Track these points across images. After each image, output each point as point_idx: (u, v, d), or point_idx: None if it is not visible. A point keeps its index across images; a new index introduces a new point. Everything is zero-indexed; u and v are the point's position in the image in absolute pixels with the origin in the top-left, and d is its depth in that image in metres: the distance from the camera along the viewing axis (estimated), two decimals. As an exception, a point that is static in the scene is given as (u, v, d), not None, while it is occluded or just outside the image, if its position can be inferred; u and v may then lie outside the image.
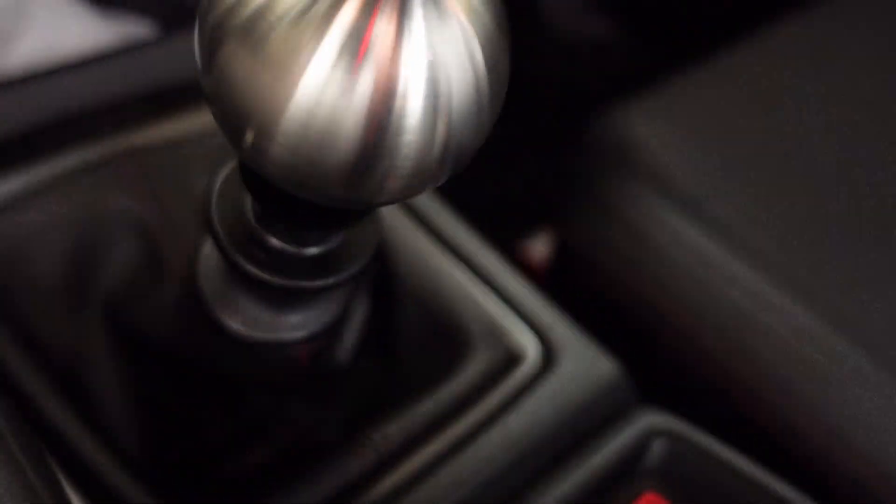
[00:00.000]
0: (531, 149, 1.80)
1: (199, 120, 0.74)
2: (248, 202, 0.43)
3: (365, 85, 0.30)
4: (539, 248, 1.47)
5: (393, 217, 0.71)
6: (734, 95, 0.92)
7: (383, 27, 0.29)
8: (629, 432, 0.60)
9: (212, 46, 0.32)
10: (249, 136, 0.32)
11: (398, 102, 0.30)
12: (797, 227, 0.78)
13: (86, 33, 0.81)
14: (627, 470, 0.60)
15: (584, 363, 0.63)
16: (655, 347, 0.74)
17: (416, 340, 0.66)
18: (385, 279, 0.68)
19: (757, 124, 0.88)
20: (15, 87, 0.70)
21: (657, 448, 0.61)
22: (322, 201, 0.35)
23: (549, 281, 0.89)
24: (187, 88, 0.76)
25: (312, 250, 0.43)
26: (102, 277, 0.65)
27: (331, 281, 0.43)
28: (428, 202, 0.73)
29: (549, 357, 0.63)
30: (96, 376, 0.60)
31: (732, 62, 0.96)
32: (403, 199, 0.35)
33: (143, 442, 0.58)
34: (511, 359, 0.63)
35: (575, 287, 0.83)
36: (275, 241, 0.42)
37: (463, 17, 0.31)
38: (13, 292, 0.60)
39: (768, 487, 0.58)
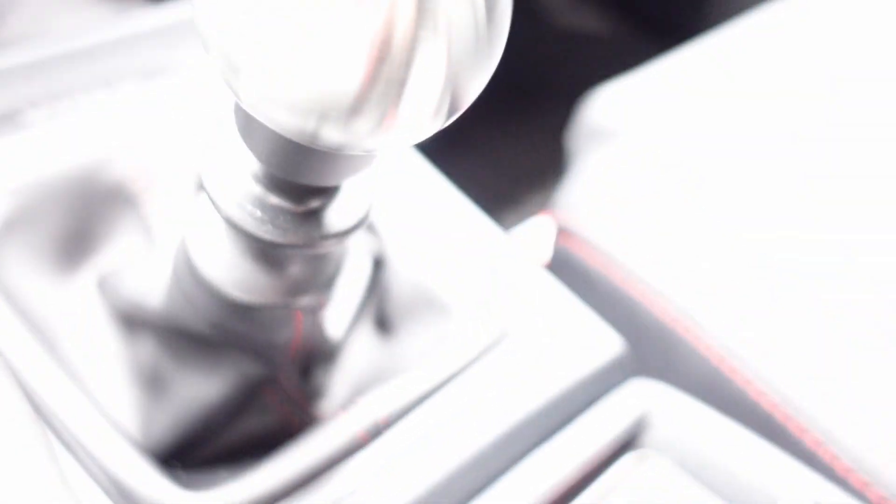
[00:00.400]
0: (525, 137, 1.80)
1: (191, 91, 0.74)
2: (243, 158, 0.42)
3: (366, 20, 0.29)
4: (535, 232, 1.47)
5: (390, 193, 0.70)
6: (725, 77, 0.92)
7: None
8: (628, 405, 0.60)
9: None
10: (248, 77, 0.32)
11: (398, 33, 0.30)
12: (789, 205, 0.78)
13: (75, 6, 0.80)
14: (626, 443, 0.60)
15: (581, 338, 0.63)
16: (654, 322, 0.74)
17: (409, 314, 0.65)
18: (379, 254, 0.67)
19: (747, 104, 0.89)
20: (5, 59, 0.69)
21: (655, 422, 0.60)
22: (320, 146, 0.34)
23: (554, 262, 0.89)
24: (178, 63, 0.76)
25: (308, 206, 0.42)
26: (96, 248, 0.64)
27: (326, 237, 0.42)
28: (423, 176, 0.73)
29: (544, 331, 0.63)
30: (88, 344, 0.60)
31: (723, 45, 0.97)
32: (401, 143, 0.35)
33: (133, 412, 0.57)
34: (505, 333, 0.63)
35: (573, 267, 0.83)
36: (270, 197, 0.42)
37: None
38: (6, 257, 0.59)
39: (767, 459, 0.57)
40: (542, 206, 1.63)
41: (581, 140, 0.93)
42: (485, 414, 0.58)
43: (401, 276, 0.67)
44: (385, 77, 0.31)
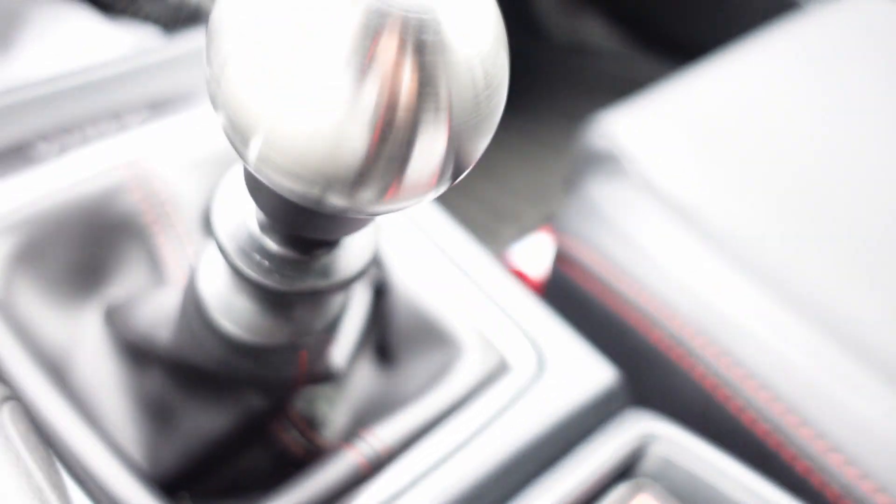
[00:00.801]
0: (527, 158, 1.82)
1: (198, 122, 0.76)
2: (250, 209, 0.44)
3: (369, 99, 0.31)
4: (535, 255, 1.48)
5: (389, 224, 0.72)
6: (722, 104, 0.93)
7: (386, 45, 0.30)
8: (623, 436, 0.61)
9: (221, 61, 0.33)
10: (256, 146, 0.33)
11: (400, 114, 0.32)
12: (786, 234, 0.80)
13: (87, 40, 0.82)
14: (622, 474, 0.61)
15: (578, 369, 0.64)
16: (649, 350, 0.76)
17: (410, 345, 0.67)
18: (380, 285, 0.69)
19: (748, 132, 0.90)
20: (16, 94, 0.71)
21: (651, 452, 0.62)
22: (325, 211, 0.36)
23: (546, 288, 0.90)
24: (186, 95, 0.78)
25: (313, 256, 0.44)
26: (104, 280, 0.66)
27: (330, 285, 0.44)
28: (424, 210, 0.74)
29: (542, 363, 0.64)
30: (94, 376, 0.61)
31: (723, 72, 0.98)
32: (403, 209, 0.36)
33: (140, 443, 0.59)
34: (504, 365, 0.64)
35: (571, 294, 0.84)
36: (276, 248, 0.43)
37: (463, 37, 0.32)
38: (17, 289, 0.61)
39: (757, 492, 0.59)
40: (542, 221, 1.65)
41: (582, 165, 0.94)
42: (483, 445, 0.59)
43: (402, 306, 0.68)
44: (387, 155, 0.32)
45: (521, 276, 1.39)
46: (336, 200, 0.34)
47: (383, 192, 0.34)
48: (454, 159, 0.34)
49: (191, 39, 0.80)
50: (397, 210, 0.37)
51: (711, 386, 0.72)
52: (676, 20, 1.83)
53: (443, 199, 0.80)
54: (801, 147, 0.89)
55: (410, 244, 0.71)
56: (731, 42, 1.12)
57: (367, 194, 0.34)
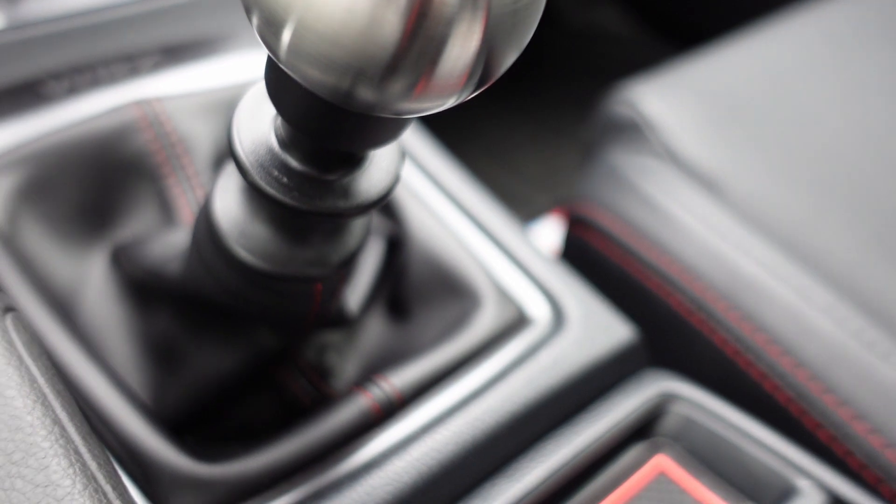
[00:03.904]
0: (539, 143, 1.80)
1: (210, 69, 0.74)
2: (271, 126, 0.42)
3: None
4: (546, 231, 1.46)
5: (406, 177, 0.70)
6: (745, 77, 0.92)
7: None
8: (642, 395, 0.59)
9: None
10: (288, 33, 0.31)
11: (437, 3, 0.30)
12: (808, 202, 0.78)
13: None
14: (638, 432, 0.59)
15: (597, 325, 0.62)
16: (669, 315, 0.74)
17: (425, 297, 0.65)
18: (396, 238, 0.67)
19: (767, 103, 0.89)
20: (28, 30, 0.69)
21: (669, 411, 0.60)
22: (353, 107, 0.34)
23: (567, 253, 0.88)
24: (199, 41, 0.76)
25: (334, 175, 0.42)
26: (113, 220, 0.64)
27: (350, 206, 0.42)
28: (443, 165, 0.72)
29: (560, 318, 0.62)
30: (100, 317, 0.60)
31: (746, 47, 0.97)
32: (430, 108, 0.34)
33: (147, 384, 0.57)
34: (523, 317, 0.63)
35: (589, 258, 0.83)
36: (297, 165, 0.41)
37: None
38: (22, 224, 0.59)
39: (778, 450, 0.57)
40: (553, 206, 1.63)
41: (600, 133, 0.92)
42: (499, 396, 0.57)
43: (418, 259, 0.66)
44: (424, 36, 0.30)
45: (543, 241, 1.37)
46: (365, 93, 0.33)
47: (413, 87, 0.32)
48: (486, 57, 0.33)
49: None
50: (422, 111, 0.35)
51: (733, 352, 0.70)
52: (691, 6, 1.82)
53: (464, 167, 0.79)
54: (822, 118, 0.87)
55: (429, 199, 0.69)
56: (750, 20, 1.10)
57: (396, 86, 0.32)
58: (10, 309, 0.38)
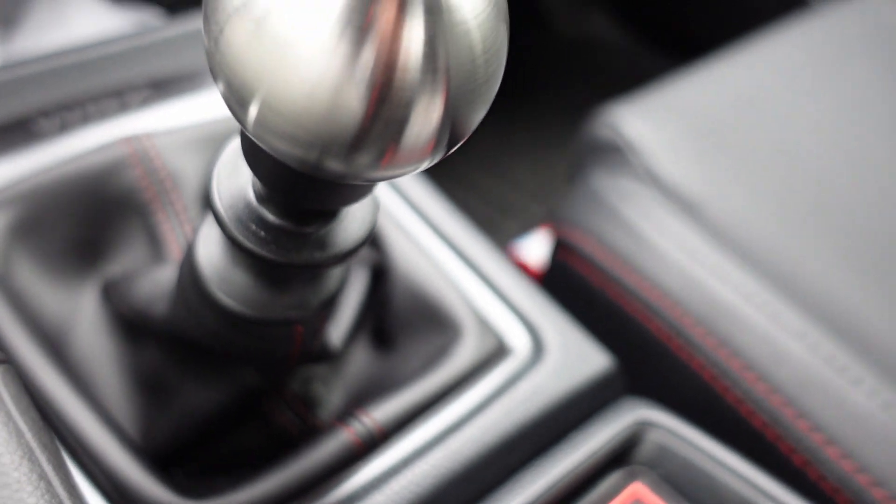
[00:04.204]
0: (530, 148, 1.81)
1: (199, 103, 0.76)
2: (248, 181, 0.44)
3: (367, 59, 0.31)
4: (537, 244, 1.48)
5: (389, 207, 0.72)
6: (727, 99, 0.93)
7: (384, 6, 0.30)
8: (618, 423, 0.61)
9: (218, 25, 0.32)
10: (254, 110, 0.33)
11: (398, 75, 0.31)
12: (786, 227, 0.80)
13: (89, 19, 0.82)
14: (615, 460, 0.61)
15: (574, 355, 0.64)
16: (649, 339, 0.76)
17: (408, 327, 0.67)
18: (379, 268, 0.68)
19: (747, 124, 0.90)
20: (18, 69, 0.71)
21: (647, 439, 0.61)
22: (322, 176, 0.36)
23: (547, 277, 0.90)
24: (187, 75, 0.78)
25: (310, 228, 0.44)
26: (103, 255, 0.66)
27: (327, 258, 0.44)
28: (425, 195, 0.74)
29: (539, 347, 0.64)
30: (90, 350, 0.61)
31: (729, 68, 0.98)
32: (400, 174, 0.36)
33: (135, 417, 0.59)
34: (502, 348, 0.64)
35: (571, 282, 0.84)
36: (274, 219, 0.43)
37: (461, 1, 0.32)
38: (15, 262, 0.61)
39: (750, 479, 0.58)
40: (544, 216, 1.65)
41: (585, 156, 0.94)
42: (478, 428, 0.59)
43: (400, 289, 0.68)
44: (385, 117, 0.32)
45: (524, 268, 1.38)
46: (333, 165, 0.34)
47: (380, 157, 0.34)
48: (451, 126, 0.34)
49: (193, 20, 0.79)
50: (393, 177, 0.37)
51: (710, 376, 0.72)
52: (682, 16, 1.83)
53: (446, 192, 0.80)
54: (804, 143, 0.89)
55: (410, 229, 0.71)
56: (737, 39, 1.12)
57: (364, 158, 0.34)
58: (3, 361, 0.40)
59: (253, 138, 0.36)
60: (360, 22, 0.30)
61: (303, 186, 0.39)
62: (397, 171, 0.36)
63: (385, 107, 0.32)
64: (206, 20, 0.34)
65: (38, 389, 0.54)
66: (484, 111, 0.36)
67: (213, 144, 0.71)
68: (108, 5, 0.84)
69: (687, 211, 0.81)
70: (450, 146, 0.36)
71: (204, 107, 0.76)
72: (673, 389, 0.73)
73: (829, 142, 0.88)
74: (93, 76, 0.73)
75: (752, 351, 0.71)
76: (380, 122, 0.32)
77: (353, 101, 0.31)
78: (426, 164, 0.36)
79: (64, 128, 0.70)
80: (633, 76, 1.88)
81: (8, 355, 0.55)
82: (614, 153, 0.89)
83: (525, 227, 1.65)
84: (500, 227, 1.66)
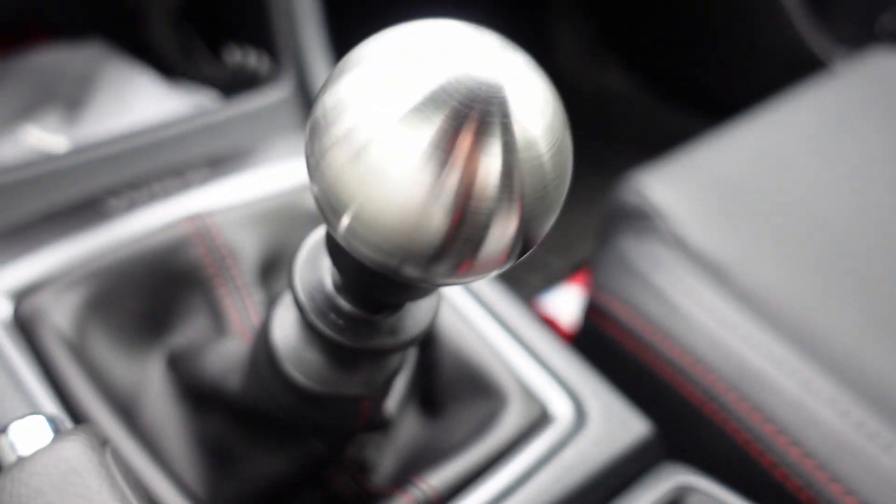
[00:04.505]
0: (564, 211, 1.85)
1: (253, 179, 0.80)
2: (327, 271, 0.48)
3: (450, 187, 0.35)
4: (563, 299, 1.51)
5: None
6: (751, 163, 0.97)
7: (465, 142, 0.34)
8: (659, 489, 0.64)
9: (322, 148, 0.37)
10: (346, 220, 0.37)
11: (476, 202, 0.35)
12: (815, 292, 0.83)
13: (150, 102, 0.87)
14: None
15: (615, 422, 0.67)
16: (683, 403, 0.78)
17: (454, 394, 0.70)
18: (429, 335, 0.72)
19: (771, 188, 0.94)
20: (89, 152, 0.76)
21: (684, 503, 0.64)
22: (399, 279, 0.40)
23: (578, 339, 0.93)
24: (242, 153, 0.83)
25: (380, 316, 0.48)
26: (168, 328, 0.70)
27: (396, 343, 0.47)
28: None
29: (581, 415, 0.67)
30: (159, 418, 0.65)
31: (752, 132, 1.02)
32: (473, 281, 0.40)
33: (202, 482, 0.62)
34: (546, 416, 0.67)
35: (603, 345, 0.87)
36: (348, 307, 0.47)
37: (531, 128, 0.36)
38: (89, 335, 0.65)
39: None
40: (569, 270, 1.68)
41: (614, 221, 0.98)
42: (528, 493, 0.62)
43: (446, 357, 0.71)
44: (464, 236, 0.36)
45: (552, 324, 1.42)
46: (412, 272, 0.38)
47: (456, 268, 0.38)
48: (522, 240, 0.38)
49: (247, 102, 0.85)
50: (466, 283, 0.41)
51: (744, 440, 0.74)
52: (699, 74, 1.88)
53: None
54: (831, 206, 0.92)
55: (451, 296, 0.75)
56: (754, 96, 1.16)
57: (441, 269, 0.38)
58: (106, 442, 0.44)
59: (340, 242, 0.40)
60: (443, 157, 0.34)
61: (380, 285, 0.43)
62: (470, 279, 0.40)
63: (464, 227, 0.36)
64: (311, 140, 0.38)
65: (119, 458, 0.57)
66: (552, 222, 0.40)
67: (268, 220, 0.76)
68: (168, 89, 0.89)
69: (715, 276, 0.84)
70: (521, 255, 0.40)
71: (258, 183, 0.80)
72: (708, 453, 0.76)
73: (855, 203, 0.92)
74: (156, 156, 0.78)
75: (785, 416, 0.73)
76: (459, 240, 0.36)
77: (436, 222, 0.35)
78: (498, 272, 0.40)
79: (132, 206, 0.75)
80: (650, 131, 1.92)
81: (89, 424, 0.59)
82: (642, 219, 0.93)
83: (548, 282, 1.69)
84: (523, 281, 1.69)
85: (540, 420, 0.67)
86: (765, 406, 0.74)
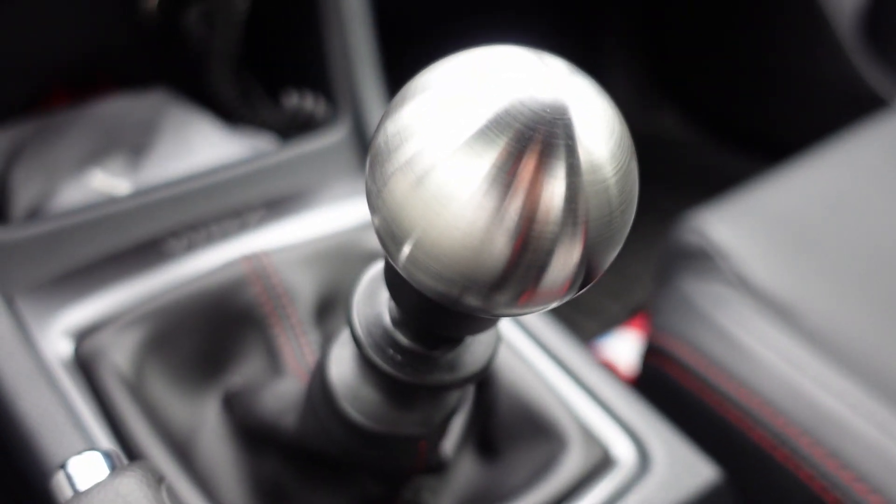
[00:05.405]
0: (620, 254, 1.83)
1: (309, 220, 0.81)
2: (385, 305, 0.47)
3: (513, 212, 0.34)
4: (622, 344, 1.48)
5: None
6: (813, 202, 0.95)
7: (528, 167, 0.34)
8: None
9: (384, 176, 0.36)
10: (407, 249, 0.37)
11: (540, 227, 0.34)
12: (884, 333, 0.79)
13: (210, 146, 0.89)
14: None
15: (681, 467, 0.64)
16: (752, 448, 0.75)
17: (512, 436, 0.68)
18: (486, 376, 0.71)
19: (837, 229, 0.91)
20: (151, 194, 0.77)
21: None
22: (459, 310, 0.39)
23: (639, 381, 0.91)
24: (298, 195, 0.84)
25: (439, 352, 0.47)
26: (224, 367, 0.70)
27: (455, 380, 0.46)
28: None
29: (645, 459, 0.65)
30: (214, 458, 0.65)
31: (813, 171, 1.00)
32: (534, 311, 0.39)
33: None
34: (608, 459, 0.65)
35: (665, 388, 0.85)
36: (406, 342, 0.46)
37: (596, 151, 0.35)
38: (147, 374, 0.65)
39: None
40: (625, 315, 1.65)
41: (673, 261, 0.96)
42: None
43: (504, 398, 0.70)
44: (526, 263, 0.35)
45: (612, 369, 1.39)
46: (473, 301, 0.37)
47: (518, 297, 0.37)
48: (585, 268, 0.37)
49: (304, 144, 0.86)
50: (527, 314, 0.39)
51: (820, 488, 0.71)
52: (755, 113, 1.86)
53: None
54: (889, 240, 0.89)
55: (509, 336, 0.73)
56: (811, 135, 1.13)
57: (503, 298, 0.37)
58: (162, 479, 0.43)
59: (401, 272, 0.39)
60: (507, 180, 0.34)
61: (440, 317, 0.42)
62: (532, 309, 0.38)
63: (527, 254, 0.35)
64: (372, 168, 0.38)
65: (174, 496, 0.57)
66: (617, 251, 0.39)
67: (324, 260, 0.76)
68: (228, 133, 0.91)
69: (781, 316, 0.81)
70: (584, 286, 0.38)
71: (314, 224, 0.81)
72: (779, 500, 0.72)
73: None
74: (215, 198, 0.79)
75: (862, 461, 0.70)
76: (521, 267, 0.35)
77: (499, 247, 0.34)
78: (559, 303, 0.39)
79: (191, 247, 0.76)
80: (703, 172, 1.90)
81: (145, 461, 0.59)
82: (703, 259, 0.91)
83: (605, 327, 1.66)
84: (579, 326, 1.67)
85: (602, 463, 0.65)
86: (841, 451, 0.70)
